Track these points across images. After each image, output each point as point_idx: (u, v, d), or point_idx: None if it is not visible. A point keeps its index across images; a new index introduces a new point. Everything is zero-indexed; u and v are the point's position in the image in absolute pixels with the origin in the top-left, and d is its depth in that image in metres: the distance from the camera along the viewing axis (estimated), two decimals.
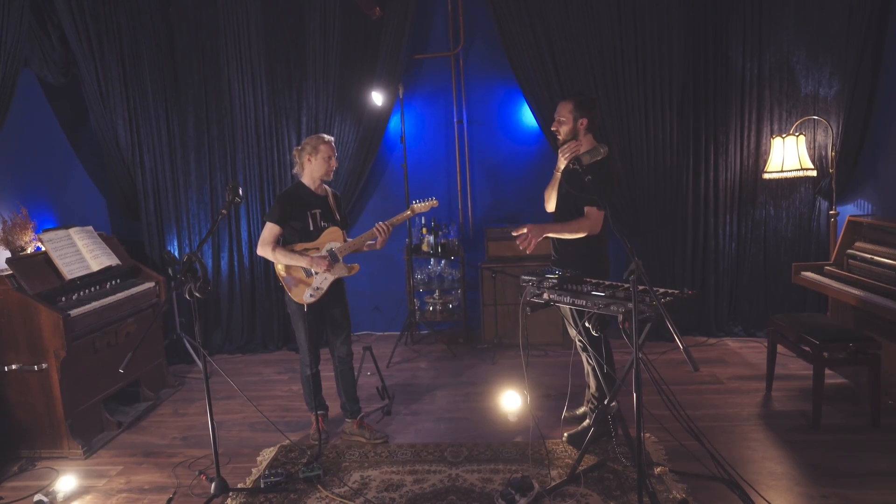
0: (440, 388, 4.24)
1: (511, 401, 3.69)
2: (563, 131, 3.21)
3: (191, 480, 3.14)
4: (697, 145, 4.87)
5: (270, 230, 3.29)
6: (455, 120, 5.32)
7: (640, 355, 2.36)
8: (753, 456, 3.06)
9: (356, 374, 3.64)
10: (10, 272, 3.40)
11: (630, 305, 2.38)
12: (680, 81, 4.73)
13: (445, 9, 5.19)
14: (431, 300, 5.37)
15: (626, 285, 2.50)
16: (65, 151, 4.74)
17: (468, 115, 5.33)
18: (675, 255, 4.99)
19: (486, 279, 4.95)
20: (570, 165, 2.98)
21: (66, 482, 3.10)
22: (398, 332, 5.31)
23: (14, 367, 3.40)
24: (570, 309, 3.05)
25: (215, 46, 5.01)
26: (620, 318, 2.49)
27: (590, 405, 3.39)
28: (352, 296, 3.61)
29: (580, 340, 3.20)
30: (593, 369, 3.23)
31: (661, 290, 2.62)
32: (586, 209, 3.11)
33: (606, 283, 2.81)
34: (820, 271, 4.09)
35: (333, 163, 3.36)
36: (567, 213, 3.26)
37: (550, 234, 3.22)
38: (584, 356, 3.30)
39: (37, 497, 2.96)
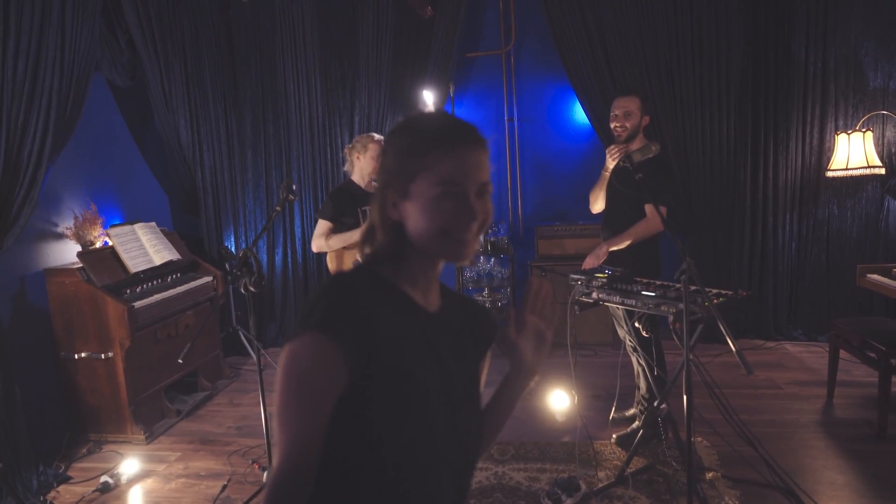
0: (488, 386, 4.22)
1: (559, 400, 3.67)
2: (629, 126, 3.13)
3: (244, 469, 3.25)
4: (756, 141, 4.71)
5: (322, 226, 3.37)
6: (506, 118, 5.31)
7: (692, 357, 2.31)
8: (813, 465, 2.95)
9: None
10: (81, 265, 3.59)
11: (681, 306, 2.33)
12: (738, 76, 4.58)
13: (497, 7, 5.18)
14: (481, 298, 5.37)
15: (678, 285, 2.45)
16: (131, 150, 4.97)
17: (519, 112, 5.31)
18: (731, 254, 4.84)
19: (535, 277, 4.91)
20: (621, 163, 2.94)
21: (129, 465, 3.26)
22: None
23: (83, 354, 3.59)
24: (620, 308, 3.01)
25: (272, 47, 5.15)
26: (671, 318, 2.45)
27: (640, 407, 3.34)
28: None
29: (630, 341, 3.15)
30: (643, 370, 3.19)
31: (714, 291, 2.56)
32: (647, 209, 3.07)
33: (657, 282, 2.76)
34: (888, 274, 3.89)
35: None
36: (619, 212, 3.23)
37: (616, 248, 3.17)
38: (633, 357, 3.25)
39: (103, 478, 3.12)
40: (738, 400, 3.60)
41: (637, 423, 3.29)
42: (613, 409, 3.50)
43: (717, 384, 2.54)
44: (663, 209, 2.99)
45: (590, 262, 3.18)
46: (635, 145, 3.12)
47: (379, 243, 1.08)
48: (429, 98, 4.92)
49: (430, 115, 1.12)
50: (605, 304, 2.84)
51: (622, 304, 2.71)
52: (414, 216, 1.03)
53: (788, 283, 4.82)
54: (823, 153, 4.62)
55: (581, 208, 5.08)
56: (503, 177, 5.39)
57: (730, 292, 2.54)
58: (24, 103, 3.12)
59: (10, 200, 3.09)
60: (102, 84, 4.57)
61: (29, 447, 3.10)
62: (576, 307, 2.89)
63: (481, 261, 5.34)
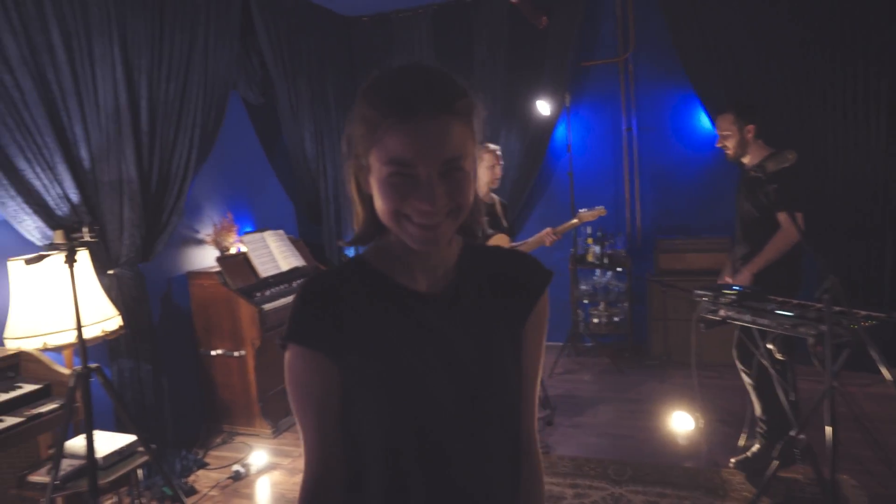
0: (603, 403, 4.11)
1: (681, 422, 3.48)
2: (730, 145, 3.08)
3: None
4: None
5: None
6: (624, 127, 5.15)
7: (835, 384, 2.10)
8: None
9: None
10: (219, 269, 3.90)
11: (823, 327, 2.13)
12: (890, 70, 4.11)
13: (613, 15, 5.05)
14: (596, 312, 5.23)
15: (819, 305, 2.24)
16: (262, 163, 5.33)
17: (638, 121, 5.12)
18: (884, 272, 4.34)
19: (654, 292, 4.71)
20: (752, 173, 2.76)
21: (258, 457, 3.48)
22: (561, 343, 5.23)
23: (219, 351, 3.89)
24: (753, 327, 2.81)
25: (389, 63, 5.33)
26: (811, 341, 2.24)
27: (758, 429, 3.11)
28: None
29: (740, 359, 3.02)
30: (753, 388, 3.02)
31: (864, 313, 2.32)
32: (781, 218, 2.87)
33: (794, 301, 2.55)
34: None
35: (498, 171, 3.42)
36: (752, 225, 3.05)
37: (759, 271, 2.99)
38: (742, 374, 3.09)
39: (235, 467, 3.36)
40: (893, 437, 3.22)
41: (757, 446, 3.06)
42: (744, 436, 3.26)
43: (867, 416, 2.30)
44: (799, 216, 2.78)
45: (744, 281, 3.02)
46: (756, 153, 3.02)
47: (359, 221, 0.99)
48: (544, 108, 4.88)
49: (393, 72, 0.98)
50: (734, 322, 2.66)
51: (753, 323, 2.52)
52: (375, 193, 0.90)
53: None
54: None
55: (703, 220, 4.83)
56: (620, 187, 5.22)
57: (882, 315, 2.28)
58: (173, 121, 3.45)
59: (161, 209, 3.42)
60: (238, 102, 4.94)
61: (173, 434, 3.40)
62: (701, 325, 2.73)
63: (597, 273, 5.20)
